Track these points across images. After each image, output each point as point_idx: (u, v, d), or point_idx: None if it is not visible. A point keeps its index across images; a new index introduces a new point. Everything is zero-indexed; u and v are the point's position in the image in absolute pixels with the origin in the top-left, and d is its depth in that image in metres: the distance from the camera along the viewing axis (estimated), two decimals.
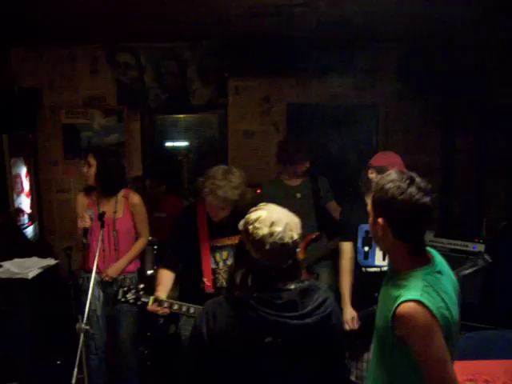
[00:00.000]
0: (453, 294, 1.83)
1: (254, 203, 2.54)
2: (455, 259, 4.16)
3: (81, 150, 5.27)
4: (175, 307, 2.78)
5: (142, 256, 4.25)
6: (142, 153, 5.49)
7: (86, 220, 3.29)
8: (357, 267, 3.28)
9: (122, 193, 3.57)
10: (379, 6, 3.81)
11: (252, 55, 4.98)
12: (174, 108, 5.44)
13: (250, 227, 1.78)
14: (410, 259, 1.84)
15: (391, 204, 1.78)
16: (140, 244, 3.66)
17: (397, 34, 4.76)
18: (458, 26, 4.32)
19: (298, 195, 4.17)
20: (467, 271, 3.14)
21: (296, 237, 1.79)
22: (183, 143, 5.85)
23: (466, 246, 4.29)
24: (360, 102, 5.39)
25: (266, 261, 1.76)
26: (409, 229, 1.82)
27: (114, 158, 3.62)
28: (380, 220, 1.82)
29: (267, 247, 1.73)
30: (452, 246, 4.34)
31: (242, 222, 1.86)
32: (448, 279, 1.87)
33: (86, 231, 3.23)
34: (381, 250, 2.19)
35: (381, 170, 3.07)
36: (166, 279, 2.95)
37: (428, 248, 1.93)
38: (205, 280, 2.93)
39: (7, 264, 3.48)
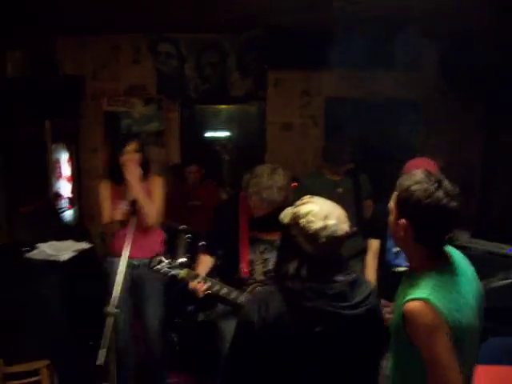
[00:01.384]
0: (470, 297, 1.78)
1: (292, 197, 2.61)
2: (490, 261, 4.11)
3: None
4: (216, 287, 2.82)
5: (173, 244, 4.31)
6: (181, 142, 5.55)
7: (122, 212, 3.31)
8: (386, 266, 3.26)
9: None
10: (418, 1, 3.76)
11: (291, 48, 4.96)
12: (212, 98, 5.48)
13: (302, 221, 1.81)
14: (427, 260, 1.80)
15: (416, 207, 1.73)
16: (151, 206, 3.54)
17: (438, 29, 4.66)
18: (499, 22, 4.20)
19: (340, 190, 4.16)
20: (497, 284, 3.02)
21: (347, 229, 1.84)
22: (222, 134, 5.86)
23: (502, 249, 4.17)
24: (401, 98, 5.28)
25: (320, 253, 1.79)
26: (432, 233, 1.78)
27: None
28: (403, 221, 1.78)
29: (322, 240, 1.76)
30: (487, 248, 4.22)
31: (287, 216, 1.89)
32: (466, 281, 1.82)
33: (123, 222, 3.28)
34: (399, 247, 2.14)
35: None
36: (206, 261, 3.08)
37: (449, 248, 1.89)
38: (243, 267, 2.96)
39: (43, 246, 3.58)
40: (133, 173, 3.36)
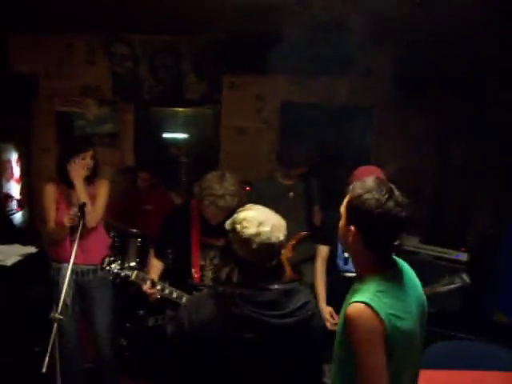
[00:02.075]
0: (413, 305, 1.82)
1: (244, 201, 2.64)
2: (437, 267, 4.22)
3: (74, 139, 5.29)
4: (167, 291, 2.83)
5: (124, 248, 4.27)
6: (135, 144, 5.51)
7: (72, 218, 3.23)
8: (336, 272, 3.31)
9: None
10: (374, 8, 3.81)
11: (247, 52, 4.97)
12: (167, 101, 5.45)
13: (238, 226, 1.84)
14: (373, 266, 1.83)
15: (367, 216, 1.76)
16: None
17: (393, 36, 4.75)
18: (455, 31, 4.31)
19: (291, 194, 4.20)
20: (441, 289, 3.09)
21: (282, 238, 1.86)
22: (177, 136, 5.83)
23: (450, 254, 4.29)
24: (355, 103, 5.37)
25: (252, 260, 1.82)
26: (380, 240, 1.82)
27: None
28: (353, 227, 1.80)
29: (254, 246, 1.79)
30: (436, 254, 4.34)
31: (229, 222, 1.92)
32: (410, 289, 1.85)
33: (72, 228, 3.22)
34: (346, 253, 2.18)
35: None
36: (157, 265, 3.11)
37: (395, 256, 1.93)
38: (194, 272, 2.99)
39: None
40: (78, 175, 3.31)
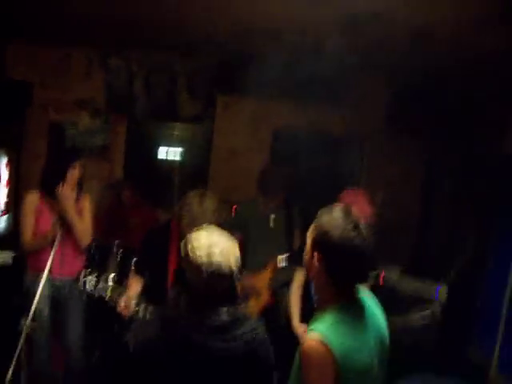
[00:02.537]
0: (371, 340, 1.82)
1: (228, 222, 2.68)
2: (415, 300, 4.21)
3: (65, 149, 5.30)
4: (141, 313, 2.84)
5: (105, 260, 4.26)
6: (125, 158, 5.52)
7: (56, 228, 3.27)
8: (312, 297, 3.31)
9: None
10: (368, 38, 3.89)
11: (241, 74, 5.00)
12: (160, 117, 5.47)
13: (190, 254, 1.84)
14: (334, 297, 1.83)
15: (331, 245, 1.77)
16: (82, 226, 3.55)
17: (388, 70, 4.81)
18: (445, 69, 4.38)
19: (272, 217, 4.22)
20: (413, 322, 3.09)
21: (234, 266, 1.85)
22: (169, 152, 5.85)
23: (429, 287, 4.28)
24: (346, 133, 5.43)
25: (202, 286, 1.82)
26: (343, 271, 1.81)
27: None
28: (316, 255, 1.80)
29: (204, 275, 1.79)
30: (414, 286, 4.34)
31: (181, 247, 1.91)
32: (370, 324, 1.85)
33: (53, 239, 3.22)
34: (310, 279, 2.17)
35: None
36: (136, 282, 3.12)
37: (361, 289, 1.93)
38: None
39: None
40: (68, 199, 3.34)
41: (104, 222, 4.60)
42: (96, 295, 3.01)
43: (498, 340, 3.62)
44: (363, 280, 1.91)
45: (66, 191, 3.32)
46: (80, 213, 3.48)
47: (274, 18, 3.66)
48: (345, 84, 5.17)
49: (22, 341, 2.83)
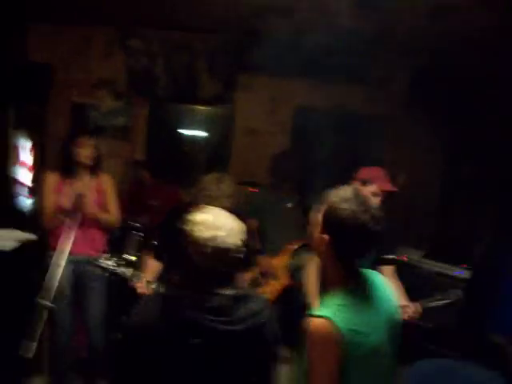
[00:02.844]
0: (381, 320, 1.80)
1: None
2: (438, 282, 4.16)
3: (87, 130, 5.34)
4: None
5: (123, 241, 4.29)
6: (147, 138, 5.54)
7: (78, 204, 3.30)
8: None
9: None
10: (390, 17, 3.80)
11: (263, 54, 4.95)
12: (181, 98, 5.45)
13: (193, 229, 1.81)
14: (341, 279, 1.81)
15: (341, 226, 1.75)
16: (107, 216, 3.63)
17: (408, 46, 4.71)
18: (468, 43, 4.26)
19: (289, 204, 4.22)
20: (433, 304, 3.03)
21: (239, 243, 1.82)
22: (191, 133, 5.85)
23: (451, 270, 4.23)
24: (369, 112, 5.33)
25: (205, 264, 1.78)
26: (352, 252, 1.80)
27: None
28: (326, 237, 1.78)
29: (208, 250, 1.75)
30: (437, 269, 4.29)
31: (185, 223, 1.88)
32: (379, 304, 1.83)
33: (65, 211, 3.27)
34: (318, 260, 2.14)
35: (365, 183, 3.12)
36: (153, 265, 3.12)
37: (367, 270, 1.91)
38: None
39: None
40: (91, 207, 3.41)
41: (125, 202, 4.62)
42: (116, 276, 3.03)
43: None
44: (366, 256, 1.87)
45: (87, 202, 3.36)
46: (98, 191, 3.51)
47: None
48: (367, 62, 5.10)
49: (40, 319, 2.88)
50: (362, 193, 1.84)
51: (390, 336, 1.83)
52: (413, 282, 3.96)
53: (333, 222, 1.77)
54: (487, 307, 4.12)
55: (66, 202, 3.36)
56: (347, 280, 1.80)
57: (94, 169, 3.55)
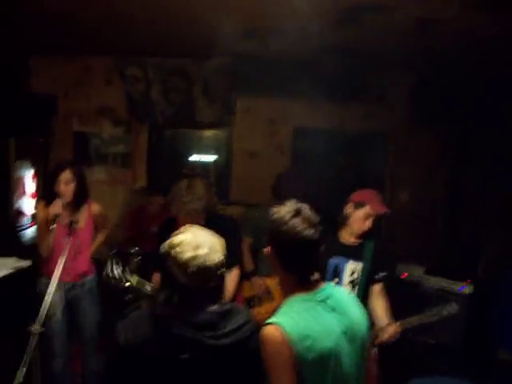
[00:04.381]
0: (336, 327, 1.82)
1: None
2: (439, 298, 4.08)
3: (89, 158, 5.43)
4: None
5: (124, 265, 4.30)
6: (148, 165, 5.58)
7: (57, 206, 3.32)
8: None
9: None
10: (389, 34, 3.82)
11: (258, 76, 4.98)
12: (179, 123, 5.48)
13: (173, 251, 1.85)
14: (295, 288, 1.87)
15: (276, 235, 1.85)
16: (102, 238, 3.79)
17: (409, 62, 4.70)
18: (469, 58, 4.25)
19: None
20: (429, 320, 2.99)
21: (219, 260, 1.86)
22: (192, 158, 5.88)
23: (454, 286, 4.15)
24: (369, 130, 5.31)
25: (191, 283, 1.82)
26: (294, 260, 1.86)
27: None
28: (269, 249, 1.89)
29: (190, 270, 1.79)
30: (438, 285, 4.21)
31: (165, 245, 1.92)
32: (339, 313, 1.86)
33: (54, 219, 3.27)
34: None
35: (358, 205, 3.13)
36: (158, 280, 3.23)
37: (327, 283, 1.96)
38: None
39: None
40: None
41: (125, 228, 4.65)
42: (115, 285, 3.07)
43: None
44: (314, 267, 1.92)
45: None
46: (89, 218, 3.56)
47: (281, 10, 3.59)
48: (365, 80, 5.10)
49: (31, 345, 2.87)
50: (298, 203, 1.94)
51: (353, 343, 1.86)
52: (412, 299, 3.92)
53: (270, 232, 1.89)
54: (492, 322, 4.05)
55: (61, 234, 3.39)
56: (299, 288, 1.86)
57: (77, 202, 3.56)
